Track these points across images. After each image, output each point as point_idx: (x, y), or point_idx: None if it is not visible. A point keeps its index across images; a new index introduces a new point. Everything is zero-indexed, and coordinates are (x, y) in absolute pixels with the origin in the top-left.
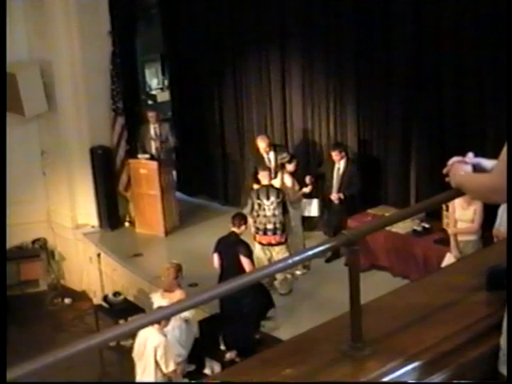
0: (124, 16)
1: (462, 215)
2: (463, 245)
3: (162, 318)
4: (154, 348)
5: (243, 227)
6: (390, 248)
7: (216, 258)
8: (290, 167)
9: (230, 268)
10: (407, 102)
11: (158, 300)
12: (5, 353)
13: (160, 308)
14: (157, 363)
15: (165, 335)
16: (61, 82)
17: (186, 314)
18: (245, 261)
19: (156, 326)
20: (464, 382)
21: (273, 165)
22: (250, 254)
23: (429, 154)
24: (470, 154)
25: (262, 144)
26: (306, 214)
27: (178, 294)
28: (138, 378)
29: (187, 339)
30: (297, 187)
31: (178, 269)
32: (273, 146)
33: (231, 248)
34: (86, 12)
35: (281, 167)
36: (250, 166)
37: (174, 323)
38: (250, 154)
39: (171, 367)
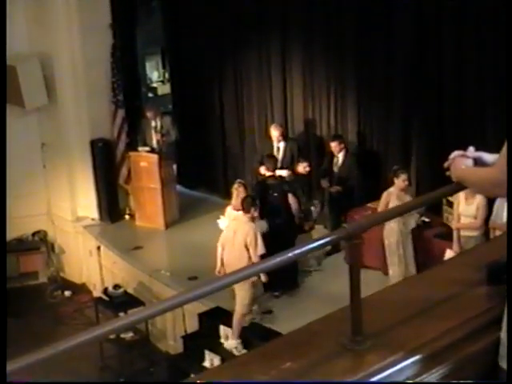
0: (124, 8)
1: (465, 210)
2: (465, 240)
3: (164, 311)
4: (244, 236)
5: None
6: None
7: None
8: (399, 182)
9: (273, 210)
10: (408, 95)
11: (224, 221)
12: (5, 347)
13: (161, 301)
14: (247, 248)
15: (253, 222)
16: (61, 75)
17: None
18: (292, 198)
19: (245, 215)
20: (463, 383)
21: (281, 155)
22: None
23: (429, 147)
24: (471, 148)
25: (274, 132)
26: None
27: None
28: (230, 258)
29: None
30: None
31: (246, 187)
32: (284, 137)
33: (276, 189)
34: (87, 4)
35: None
36: (252, 157)
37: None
38: (260, 142)
39: (260, 251)
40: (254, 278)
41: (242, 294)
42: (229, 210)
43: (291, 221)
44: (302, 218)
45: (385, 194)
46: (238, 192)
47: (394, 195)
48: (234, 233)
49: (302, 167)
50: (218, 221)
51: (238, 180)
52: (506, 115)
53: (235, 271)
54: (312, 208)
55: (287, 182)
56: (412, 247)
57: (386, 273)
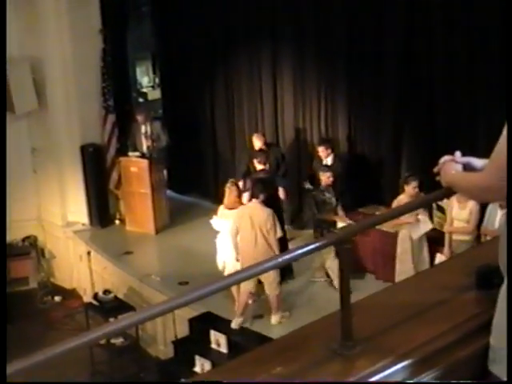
0: (115, 14)
1: (457, 214)
2: (456, 244)
3: (154, 317)
4: (263, 221)
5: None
6: (379, 247)
7: (247, 197)
8: (410, 189)
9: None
10: (398, 100)
11: (217, 221)
12: (5, 348)
13: (152, 306)
14: (268, 232)
15: (269, 207)
16: (51, 79)
17: None
18: (282, 192)
19: (251, 199)
20: (460, 383)
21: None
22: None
23: (420, 152)
24: (458, 153)
25: (257, 142)
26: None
27: None
28: (248, 245)
29: None
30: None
31: (239, 186)
32: (267, 145)
33: (267, 184)
34: (77, 9)
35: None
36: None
37: None
38: (243, 151)
39: (279, 234)
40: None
41: (270, 280)
42: (221, 209)
43: (279, 212)
44: (320, 229)
45: (395, 203)
46: (230, 191)
47: (403, 202)
48: (251, 218)
49: (326, 177)
50: (211, 221)
51: (231, 179)
52: (506, 118)
53: (225, 277)
54: (307, 186)
55: (279, 177)
56: (427, 257)
57: (378, 277)
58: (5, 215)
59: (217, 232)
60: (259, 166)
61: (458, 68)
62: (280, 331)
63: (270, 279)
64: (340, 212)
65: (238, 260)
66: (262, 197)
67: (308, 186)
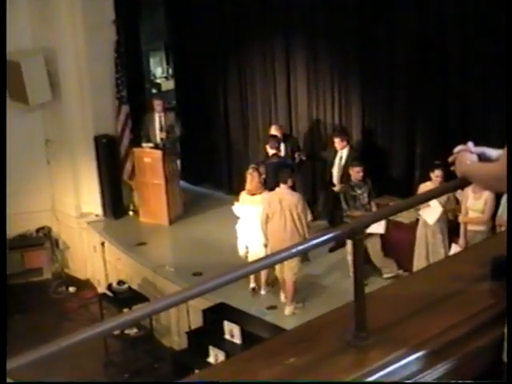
0: (128, 4)
1: (473, 205)
2: (471, 235)
3: (168, 307)
4: (293, 205)
5: (281, 148)
6: (393, 237)
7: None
8: (433, 176)
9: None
10: (412, 90)
11: (239, 207)
12: (5, 346)
13: (166, 296)
14: (298, 216)
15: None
16: (65, 71)
17: None
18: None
19: (286, 186)
20: (462, 383)
21: (283, 154)
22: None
23: (433, 143)
24: (470, 144)
25: (275, 133)
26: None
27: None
28: (278, 229)
29: None
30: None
31: (260, 172)
32: (284, 136)
33: (279, 168)
34: (91, 0)
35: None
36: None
37: None
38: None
39: (310, 217)
40: None
41: (292, 265)
42: (243, 195)
43: None
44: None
45: (421, 186)
46: (252, 177)
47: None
48: (280, 203)
49: (356, 172)
50: (233, 207)
51: (252, 165)
52: (506, 115)
53: (238, 267)
54: (302, 157)
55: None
56: (441, 244)
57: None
58: (5, 211)
59: (234, 221)
60: (271, 151)
61: (472, 57)
62: (294, 322)
63: (291, 264)
64: (374, 208)
65: (265, 245)
66: (290, 182)
67: (302, 157)
